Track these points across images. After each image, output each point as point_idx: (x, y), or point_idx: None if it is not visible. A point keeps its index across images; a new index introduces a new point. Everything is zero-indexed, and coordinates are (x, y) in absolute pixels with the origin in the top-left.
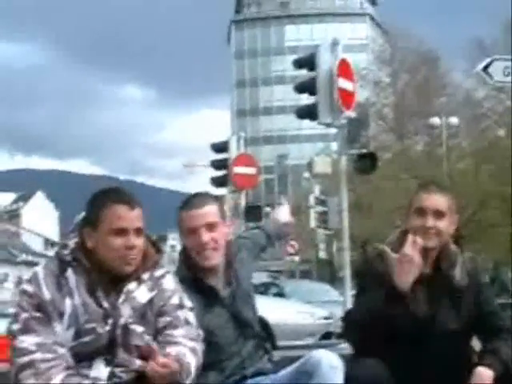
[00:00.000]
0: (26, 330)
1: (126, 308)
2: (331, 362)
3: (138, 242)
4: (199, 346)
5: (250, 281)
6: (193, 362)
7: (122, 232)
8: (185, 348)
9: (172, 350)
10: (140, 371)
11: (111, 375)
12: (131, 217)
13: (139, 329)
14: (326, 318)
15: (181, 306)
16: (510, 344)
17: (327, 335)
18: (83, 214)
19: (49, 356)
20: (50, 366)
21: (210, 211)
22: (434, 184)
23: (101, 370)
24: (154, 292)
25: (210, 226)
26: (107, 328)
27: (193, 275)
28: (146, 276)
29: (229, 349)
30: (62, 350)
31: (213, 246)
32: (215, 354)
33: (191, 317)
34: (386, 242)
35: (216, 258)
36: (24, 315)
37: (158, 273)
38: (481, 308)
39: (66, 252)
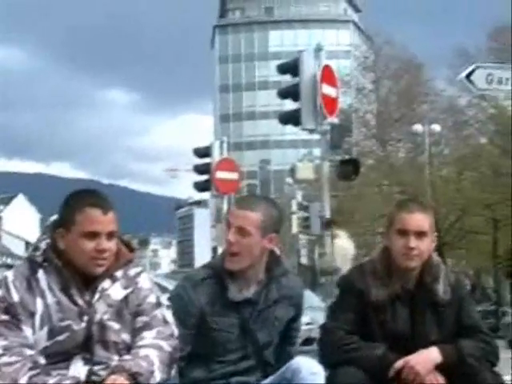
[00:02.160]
0: None
1: (101, 305)
2: (311, 369)
3: (110, 245)
4: (171, 343)
5: (283, 318)
6: (156, 362)
7: (94, 235)
8: (149, 350)
9: (132, 359)
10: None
11: (90, 373)
12: (104, 221)
13: (116, 326)
14: (307, 324)
15: (158, 305)
16: (479, 345)
17: (308, 341)
18: (55, 217)
19: (14, 359)
20: (14, 368)
21: (245, 216)
22: (415, 202)
23: (79, 368)
24: (129, 290)
25: (240, 230)
26: (83, 325)
27: (224, 271)
28: (119, 274)
29: (224, 351)
30: (28, 352)
31: (238, 249)
32: (208, 347)
33: (168, 315)
34: (368, 258)
35: (235, 265)
36: None
37: (133, 271)
38: (461, 322)
39: (37, 254)
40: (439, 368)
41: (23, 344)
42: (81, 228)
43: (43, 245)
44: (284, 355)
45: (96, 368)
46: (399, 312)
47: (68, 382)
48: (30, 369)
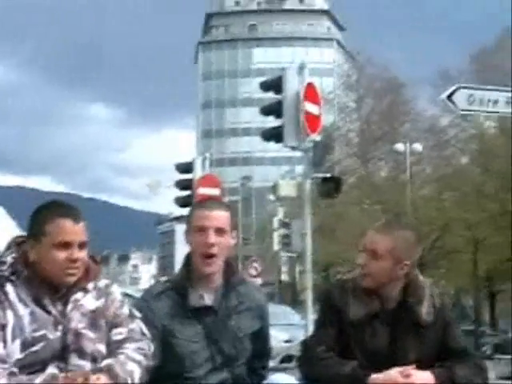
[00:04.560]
0: None
1: (75, 314)
2: None
3: (82, 254)
4: (148, 362)
5: (247, 330)
6: (136, 380)
7: (65, 245)
8: (133, 365)
9: (119, 365)
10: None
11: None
12: (75, 231)
13: (91, 334)
14: (286, 341)
15: (132, 317)
16: (471, 369)
17: (288, 358)
18: (19, 234)
19: None
20: None
21: (222, 216)
22: (386, 223)
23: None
24: (102, 300)
25: (220, 231)
26: (58, 334)
27: (184, 281)
28: (90, 286)
29: (192, 365)
30: (4, 366)
31: (217, 250)
32: (175, 362)
33: (144, 328)
34: (349, 275)
35: (215, 266)
36: None
37: (103, 283)
38: (447, 345)
39: (3, 268)
40: None
41: None
42: (52, 238)
43: (9, 259)
44: (257, 371)
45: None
46: (378, 331)
47: (51, 370)
48: (9, 374)
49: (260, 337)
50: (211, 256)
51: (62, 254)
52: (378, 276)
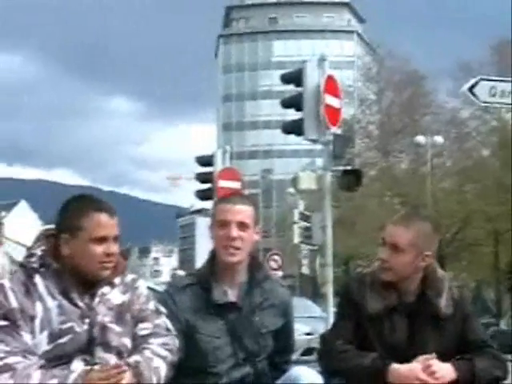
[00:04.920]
0: None
1: (101, 308)
2: (310, 379)
3: (116, 248)
4: (173, 358)
5: (270, 327)
6: (162, 376)
7: (102, 240)
8: (159, 361)
9: (145, 361)
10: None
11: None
12: (111, 225)
13: (117, 328)
14: (307, 334)
15: (158, 312)
16: (490, 361)
17: (309, 351)
18: (48, 226)
19: (20, 359)
20: (25, 365)
21: (245, 210)
22: (405, 215)
23: (79, 367)
24: (128, 295)
25: (242, 225)
26: (85, 327)
27: (208, 276)
28: (117, 281)
29: (215, 360)
30: (31, 357)
31: (240, 244)
32: (198, 356)
33: (169, 324)
34: (370, 270)
35: (238, 257)
36: None
37: (129, 277)
38: (466, 337)
39: (32, 260)
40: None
41: (24, 350)
42: (89, 233)
43: (38, 251)
44: (279, 366)
45: (96, 367)
46: (397, 324)
47: (78, 364)
48: (40, 367)
49: (283, 333)
50: (236, 249)
51: (99, 249)
52: (401, 269)
